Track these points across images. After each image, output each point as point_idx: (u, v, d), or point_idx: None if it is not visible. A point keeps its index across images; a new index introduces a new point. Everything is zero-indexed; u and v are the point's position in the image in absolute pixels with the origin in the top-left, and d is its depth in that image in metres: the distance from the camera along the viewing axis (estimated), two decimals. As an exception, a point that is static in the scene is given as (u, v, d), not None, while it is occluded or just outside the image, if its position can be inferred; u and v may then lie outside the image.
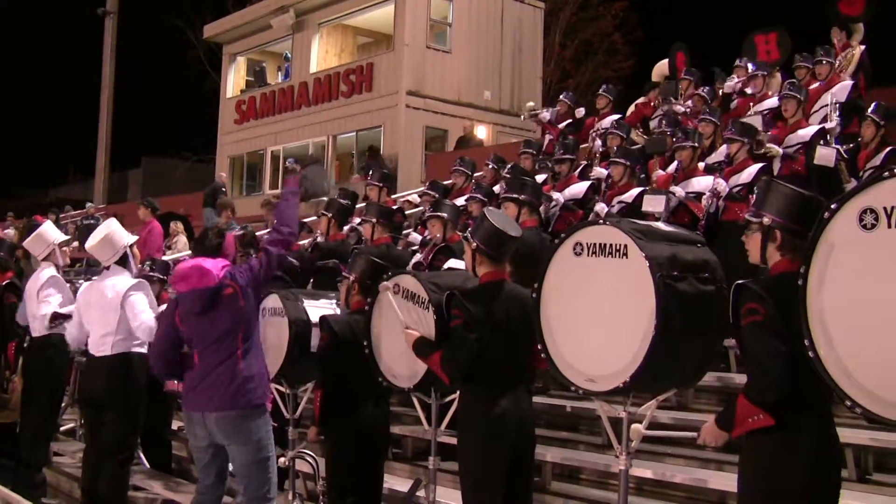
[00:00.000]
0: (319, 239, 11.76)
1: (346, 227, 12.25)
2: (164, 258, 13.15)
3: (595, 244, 5.06)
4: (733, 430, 4.45)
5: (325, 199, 10.65)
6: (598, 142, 14.17)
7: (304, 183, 6.64)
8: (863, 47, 12.98)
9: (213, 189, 22.90)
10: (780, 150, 10.87)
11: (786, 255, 4.50)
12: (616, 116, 14.54)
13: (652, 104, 14.93)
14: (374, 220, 10.65)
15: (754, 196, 5.31)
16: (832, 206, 3.99)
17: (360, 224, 11.92)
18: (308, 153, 29.44)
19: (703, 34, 22.75)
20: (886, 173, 3.86)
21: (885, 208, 3.80)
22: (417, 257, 10.64)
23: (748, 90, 13.21)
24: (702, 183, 10.31)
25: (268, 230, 6.62)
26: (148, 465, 9.57)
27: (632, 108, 15.42)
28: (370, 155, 23.18)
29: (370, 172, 14.18)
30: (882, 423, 3.89)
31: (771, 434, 4.27)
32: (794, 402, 4.22)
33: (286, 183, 6.75)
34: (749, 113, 12.38)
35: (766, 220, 4.54)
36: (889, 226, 3.79)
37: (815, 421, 4.34)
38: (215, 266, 6.28)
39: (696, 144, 10.74)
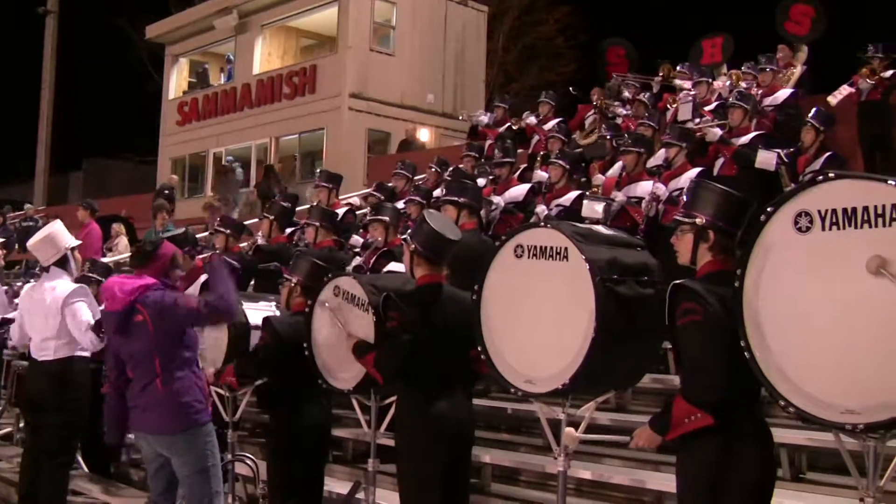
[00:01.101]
0: (261, 241, 11.70)
1: (288, 230, 12.22)
2: (105, 260, 13.04)
3: (536, 247, 5.08)
4: (669, 432, 4.44)
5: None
6: (532, 119, 14.93)
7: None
8: (804, 67, 13.24)
9: (158, 191, 22.64)
10: (718, 132, 10.98)
11: (716, 255, 4.54)
12: (558, 120, 14.66)
13: (594, 98, 15.10)
14: (317, 223, 10.61)
15: (684, 198, 5.35)
16: (768, 209, 4.04)
17: (303, 227, 11.86)
18: (251, 155, 29.31)
19: (647, 38, 22.85)
20: (821, 177, 3.92)
21: (819, 211, 3.86)
22: (357, 260, 10.59)
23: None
24: (645, 188, 10.37)
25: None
26: (87, 469, 9.45)
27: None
28: (264, 174, 22.79)
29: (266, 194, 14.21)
30: (815, 423, 3.93)
31: (709, 433, 4.28)
32: (731, 400, 4.24)
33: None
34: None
35: (699, 221, 4.58)
36: (823, 228, 3.84)
37: (752, 420, 4.38)
38: (131, 286, 6.03)
39: (642, 150, 10.76)
